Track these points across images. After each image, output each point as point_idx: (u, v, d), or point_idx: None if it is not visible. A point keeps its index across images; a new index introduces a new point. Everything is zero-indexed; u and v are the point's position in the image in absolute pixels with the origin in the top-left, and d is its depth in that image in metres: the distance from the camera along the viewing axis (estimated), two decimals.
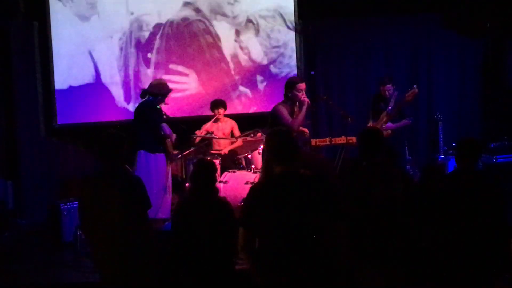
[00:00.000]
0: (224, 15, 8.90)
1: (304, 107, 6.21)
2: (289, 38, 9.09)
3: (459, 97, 9.42)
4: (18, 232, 7.55)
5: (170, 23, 8.79)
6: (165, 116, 6.96)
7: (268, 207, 3.33)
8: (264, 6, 8.99)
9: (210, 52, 8.89)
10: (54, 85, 8.30)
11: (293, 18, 9.06)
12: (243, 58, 9.00)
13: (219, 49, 8.93)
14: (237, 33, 8.95)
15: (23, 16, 8.14)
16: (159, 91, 6.87)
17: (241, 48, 8.98)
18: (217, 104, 8.19)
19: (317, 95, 8.43)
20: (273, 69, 9.09)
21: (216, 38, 8.91)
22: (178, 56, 8.85)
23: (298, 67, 9.11)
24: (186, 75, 8.88)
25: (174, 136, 6.94)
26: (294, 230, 3.27)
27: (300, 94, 6.22)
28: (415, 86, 7.46)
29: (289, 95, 6.26)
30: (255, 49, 9.02)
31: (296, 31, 9.09)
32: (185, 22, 8.81)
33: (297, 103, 6.27)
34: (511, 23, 8.67)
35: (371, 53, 9.32)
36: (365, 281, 4.00)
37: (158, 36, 8.77)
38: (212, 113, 8.20)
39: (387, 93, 7.68)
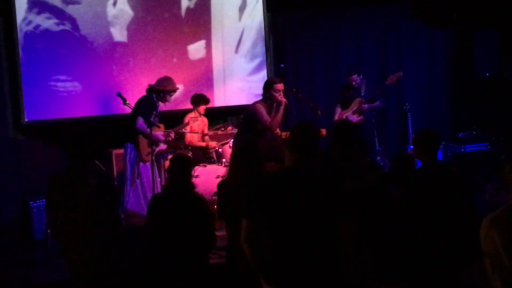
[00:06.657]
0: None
1: (282, 108, 6.32)
2: (259, 32, 9.08)
3: (428, 87, 9.55)
4: None
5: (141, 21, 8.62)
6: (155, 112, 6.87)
7: (274, 200, 3.28)
8: None
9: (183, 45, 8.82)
10: (21, 81, 8.14)
11: (261, 11, 9.04)
12: (215, 49, 8.93)
13: (193, 39, 8.83)
14: (210, 23, 8.88)
15: None
16: (157, 86, 6.81)
17: (213, 39, 8.92)
18: (200, 100, 8.00)
19: (287, 88, 8.44)
20: (244, 62, 9.07)
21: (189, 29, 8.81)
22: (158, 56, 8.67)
23: (267, 60, 9.10)
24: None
25: (160, 143, 6.97)
26: (299, 226, 3.23)
27: (277, 95, 6.31)
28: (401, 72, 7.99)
29: (267, 95, 6.35)
30: (226, 43, 8.99)
31: (264, 24, 9.07)
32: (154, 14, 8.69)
33: (275, 103, 6.34)
34: (476, 14, 8.77)
35: (340, 45, 9.37)
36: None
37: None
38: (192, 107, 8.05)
39: (353, 83, 7.97)
